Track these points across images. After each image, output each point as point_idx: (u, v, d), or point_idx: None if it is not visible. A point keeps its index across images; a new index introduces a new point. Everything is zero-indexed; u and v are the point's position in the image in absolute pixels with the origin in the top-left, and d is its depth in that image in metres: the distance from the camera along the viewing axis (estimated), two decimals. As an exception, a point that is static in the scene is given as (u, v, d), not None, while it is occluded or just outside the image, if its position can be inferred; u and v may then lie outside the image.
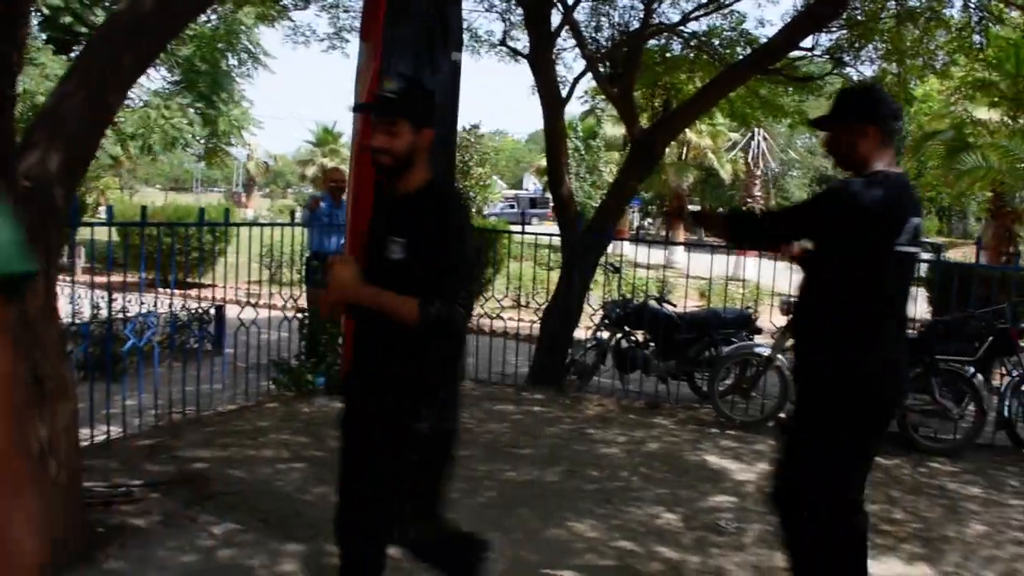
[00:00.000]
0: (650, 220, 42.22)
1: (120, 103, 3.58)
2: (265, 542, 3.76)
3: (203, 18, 16.80)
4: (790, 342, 6.59)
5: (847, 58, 7.61)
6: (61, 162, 3.28)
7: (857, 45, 7.37)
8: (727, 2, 7.88)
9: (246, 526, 3.92)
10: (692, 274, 8.93)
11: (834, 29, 7.29)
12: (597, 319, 7.82)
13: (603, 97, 8.94)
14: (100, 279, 9.82)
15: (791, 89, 8.75)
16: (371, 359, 2.64)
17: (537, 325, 7.75)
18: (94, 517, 3.86)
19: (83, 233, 14.24)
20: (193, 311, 8.13)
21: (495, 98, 71.39)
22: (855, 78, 8.05)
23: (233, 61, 18.25)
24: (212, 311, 8.47)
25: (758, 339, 7.33)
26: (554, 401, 6.88)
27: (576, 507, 4.39)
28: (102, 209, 24.34)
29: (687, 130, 26.10)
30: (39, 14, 15.72)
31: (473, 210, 39.27)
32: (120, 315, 6.09)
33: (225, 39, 17.23)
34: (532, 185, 50.33)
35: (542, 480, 4.85)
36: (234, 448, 5.15)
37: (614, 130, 28.26)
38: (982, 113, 15.37)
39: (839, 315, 2.86)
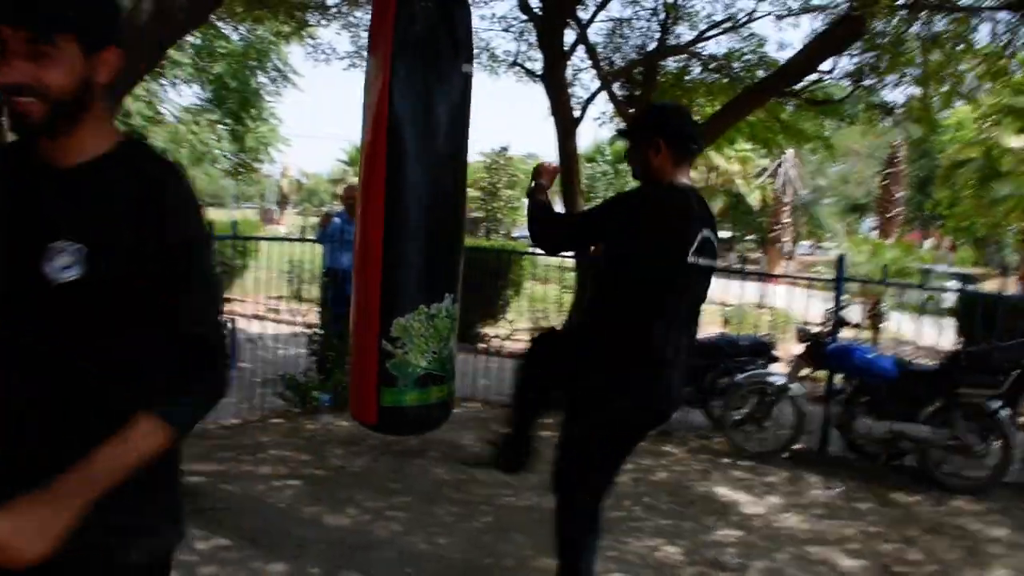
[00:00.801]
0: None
1: (115, 111, 3.55)
2: (248, 560, 3.66)
3: (235, 36, 17.05)
4: (805, 370, 6.42)
5: (870, 82, 7.46)
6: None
7: (880, 69, 7.22)
8: (741, 21, 7.78)
9: (232, 543, 3.83)
10: (720, 300, 8.75)
11: (855, 53, 7.15)
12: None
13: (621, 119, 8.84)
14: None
15: (817, 114, 8.63)
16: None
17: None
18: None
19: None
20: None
21: (526, 120, 72.03)
22: (878, 103, 7.91)
23: (263, 79, 18.44)
24: (228, 325, 8.45)
25: (775, 367, 7.13)
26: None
27: (573, 536, 4.24)
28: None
29: (715, 155, 25.99)
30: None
31: (502, 232, 39.44)
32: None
33: (256, 57, 17.42)
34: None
35: (541, 506, 4.69)
36: (232, 463, 5.08)
37: (643, 154, 28.15)
38: (1012, 140, 15.03)
39: (623, 319, 2.88)
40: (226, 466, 5.01)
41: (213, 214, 34.03)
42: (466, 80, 3.25)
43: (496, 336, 7.54)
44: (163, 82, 17.22)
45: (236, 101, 17.80)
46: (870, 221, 41.91)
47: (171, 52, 14.66)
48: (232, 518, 4.14)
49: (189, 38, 15.45)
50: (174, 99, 18.47)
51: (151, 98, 16.66)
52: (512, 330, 7.74)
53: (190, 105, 18.29)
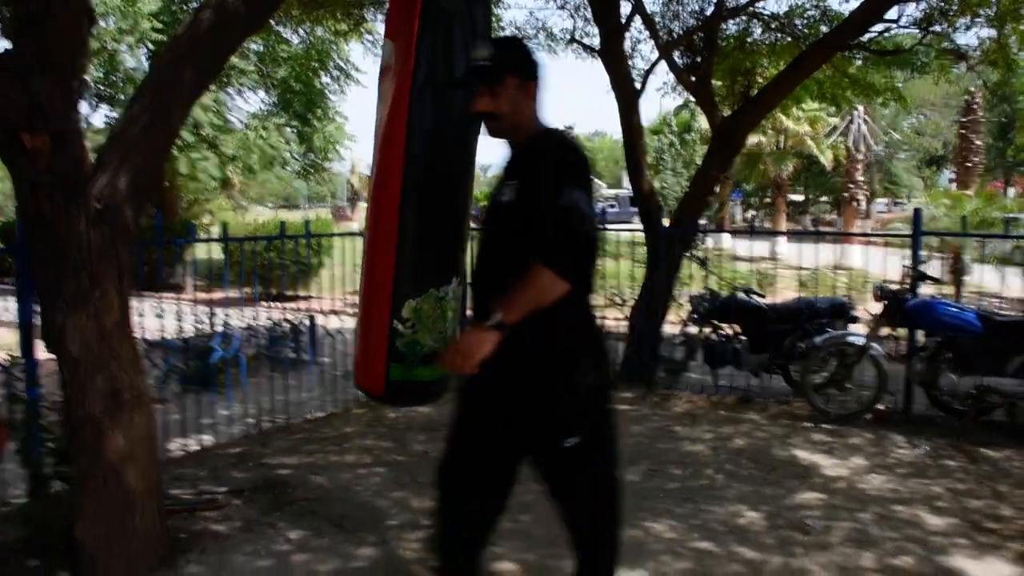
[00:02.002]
0: (753, 212, 41.16)
1: (182, 120, 3.69)
2: (338, 547, 3.80)
3: (295, 39, 17.40)
4: (885, 329, 6.28)
5: (940, 27, 7.17)
6: (129, 183, 3.40)
7: (950, 12, 6.93)
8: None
9: (322, 531, 3.98)
10: (796, 265, 8.57)
11: (921, -3, 6.88)
12: (685, 314, 7.63)
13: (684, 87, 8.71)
14: (216, 295, 10.28)
15: (887, 66, 8.35)
16: None
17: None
18: (178, 524, 4.00)
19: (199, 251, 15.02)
20: (289, 322, 8.35)
21: (592, 99, 71.01)
22: (950, 48, 7.60)
23: (326, 79, 18.74)
24: (307, 322, 8.69)
25: (855, 328, 6.99)
26: (642, 399, 6.75)
27: (655, 507, 4.27)
28: (214, 229, 25.37)
29: (784, 118, 25.34)
30: (147, 54, 16.52)
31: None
32: (205, 329, 6.30)
33: (317, 58, 17.71)
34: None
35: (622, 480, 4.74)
36: (318, 454, 5.26)
37: (709, 122, 27.60)
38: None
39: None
40: (313, 457, 5.19)
41: (287, 216, 34.89)
42: None
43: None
44: (230, 91, 17.70)
45: (301, 103, 18.16)
46: (948, 173, 40.41)
47: (235, 61, 15.05)
48: (322, 507, 4.30)
49: (251, 45, 15.83)
50: (241, 106, 18.96)
51: (219, 107, 17.13)
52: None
53: (257, 111, 18.76)
